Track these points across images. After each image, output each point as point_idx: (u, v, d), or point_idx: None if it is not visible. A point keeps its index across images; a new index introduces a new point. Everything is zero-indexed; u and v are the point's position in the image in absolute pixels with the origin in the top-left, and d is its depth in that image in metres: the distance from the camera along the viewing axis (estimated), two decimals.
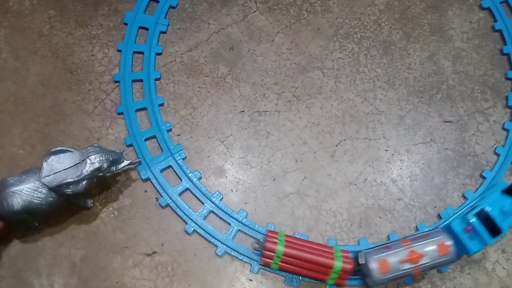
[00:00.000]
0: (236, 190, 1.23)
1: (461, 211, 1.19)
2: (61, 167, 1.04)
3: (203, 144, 1.27)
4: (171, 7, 1.38)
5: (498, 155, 1.25)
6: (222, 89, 1.32)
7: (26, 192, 1.02)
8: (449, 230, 1.10)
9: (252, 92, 1.32)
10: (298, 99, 1.31)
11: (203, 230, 1.18)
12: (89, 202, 1.18)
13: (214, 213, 1.21)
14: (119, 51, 1.33)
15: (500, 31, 1.36)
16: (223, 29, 1.37)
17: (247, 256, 1.17)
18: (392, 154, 1.26)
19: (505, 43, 1.34)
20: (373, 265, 1.05)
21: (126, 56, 1.32)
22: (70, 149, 1.06)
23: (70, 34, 1.35)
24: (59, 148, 1.05)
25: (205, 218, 1.20)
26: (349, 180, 1.24)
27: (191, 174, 1.22)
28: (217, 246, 1.17)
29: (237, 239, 1.19)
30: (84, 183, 1.05)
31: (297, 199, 1.22)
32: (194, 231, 1.18)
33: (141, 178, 1.22)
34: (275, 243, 1.09)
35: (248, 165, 1.25)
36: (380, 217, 1.21)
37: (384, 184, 1.23)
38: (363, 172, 1.25)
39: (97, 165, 1.05)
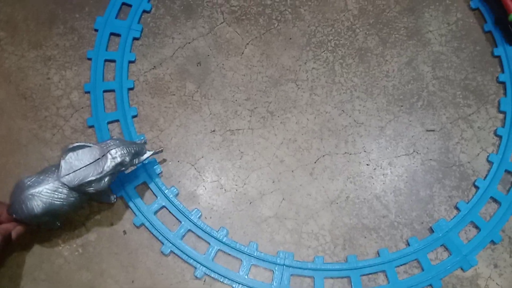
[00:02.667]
0: (210, 217, 1.14)
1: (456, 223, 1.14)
2: (81, 164, 0.96)
3: (173, 169, 1.18)
4: (144, 11, 1.30)
5: (491, 163, 1.19)
6: (190, 108, 1.23)
7: (45, 193, 0.94)
8: None
9: (223, 109, 1.23)
10: (272, 115, 1.23)
11: (181, 250, 1.10)
12: (113, 198, 1.11)
13: (192, 231, 1.12)
14: (89, 59, 1.24)
15: (489, 32, 1.30)
16: (189, 43, 1.28)
17: (228, 278, 1.09)
18: (374, 169, 1.19)
19: (496, 45, 1.28)
20: None
21: (97, 65, 1.23)
22: (88, 144, 0.98)
23: (23, 57, 1.24)
24: (76, 144, 0.97)
25: (182, 237, 1.12)
26: (330, 199, 1.16)
27: (167, 190, 1.14)
28: (196, 268, 1.09)
29: (218, 259, 1.11)
30: (106, 179, 0.97)
31: (276, 223, 1.14)
32: (171, 252, 1.10)
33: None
34: None
35: (222, 189, 1.17)
36: (365, 237, 1.13)
37: (368, 201, 1.16)
38: (345, 190, 1.17)
39: (119, 159, 0.97)
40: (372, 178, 1.18)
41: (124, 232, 1.12)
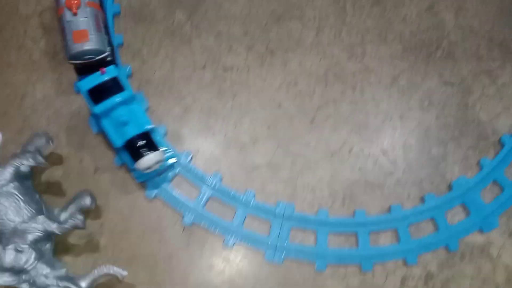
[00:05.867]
0: (195, 161, 1.01)
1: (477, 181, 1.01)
2: None
3: (154, 105, 1.03)
4: None
5: None
6: (179, 39, 1.08)
7: None
8: None
9: (216, 44, 1.08)
10: (272, 54, 1.09)
11: (168, 194, 0.97)
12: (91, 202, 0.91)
13: (181, 175, 0.99)
14: None
15: None
16: None
17: (220, 226, 0.96)
18: (383, 121, 1.06)
19: None
20: None
21: None
22: None
23: None
24: None
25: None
26: (331, 150, 1.03)
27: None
28: (184, 215, 0.96)
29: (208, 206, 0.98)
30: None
31: (268, 172, 1.01)
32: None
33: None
34: None
35: (210, 131, 1.03)
36: (367, 194, 1.00)
37: (373, 156, 1.03)
38: (348, 141, 1.04)
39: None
40: (380, 131, 1.05)
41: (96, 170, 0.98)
